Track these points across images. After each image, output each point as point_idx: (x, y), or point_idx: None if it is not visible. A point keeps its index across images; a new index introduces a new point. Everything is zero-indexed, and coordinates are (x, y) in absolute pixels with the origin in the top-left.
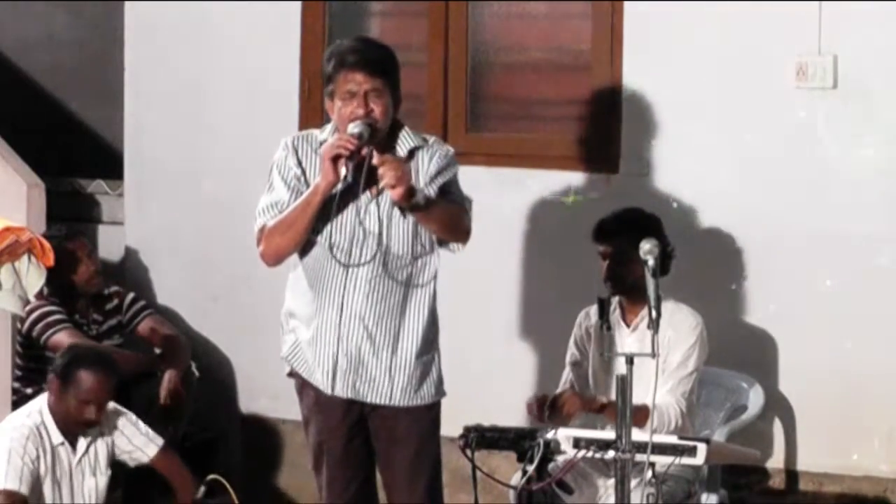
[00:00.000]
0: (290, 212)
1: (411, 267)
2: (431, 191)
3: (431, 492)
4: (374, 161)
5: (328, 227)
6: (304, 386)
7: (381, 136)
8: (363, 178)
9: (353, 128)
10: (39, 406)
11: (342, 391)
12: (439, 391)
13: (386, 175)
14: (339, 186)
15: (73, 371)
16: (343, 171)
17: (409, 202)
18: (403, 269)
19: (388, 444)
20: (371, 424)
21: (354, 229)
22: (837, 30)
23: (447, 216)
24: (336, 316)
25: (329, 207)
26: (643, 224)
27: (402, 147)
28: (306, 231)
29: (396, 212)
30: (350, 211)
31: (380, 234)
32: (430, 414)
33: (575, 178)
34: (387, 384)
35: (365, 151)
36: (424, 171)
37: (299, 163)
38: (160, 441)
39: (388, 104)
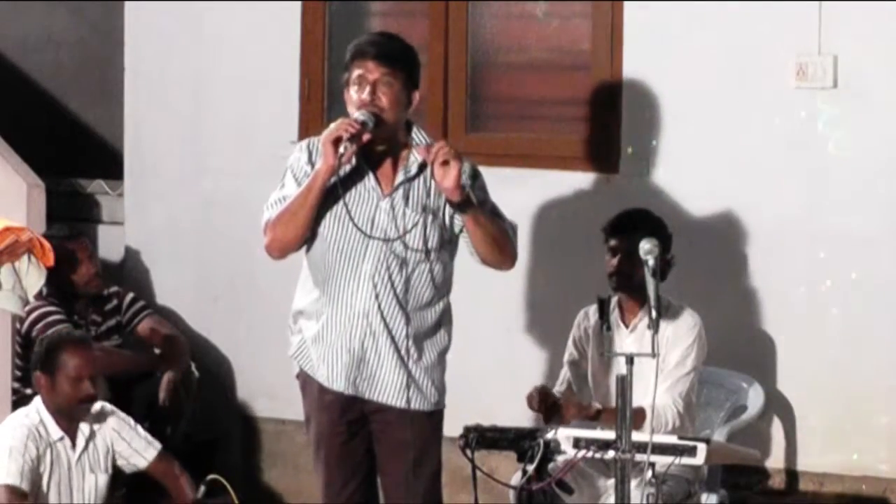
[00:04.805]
0: (293, 200)
1: (419, 269)
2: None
3: (430, 500)
4: (440, 156)
5: (334, 222)
6: (306, 383)
7: (390, 129)
8: (369, 174)
9: (359, 115)
10: (36, 406)
11: (343, 387)
12: (440, 400)
13: (447, 175)
14: (341, 172)
15: (54, 358)
16: (342, 150)
17: (460, 197)
18: (411, 271)
19: (387, 450)
20: (373, 427)
21: (363, 224)
22: (837, 30)
23: (497, 229)
24: (341, 313)
25: (332, 202)
26: (655, 226)
27: (417, 140)
28: (308, 220)
29: (408, 211)
30: (357, 206)
31: (387, 232)
32: (431, 422)
33: (575, 178)
34: (386, 382)
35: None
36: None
37: (311, 162)
38: (158, 446)
39: (399, 96)
